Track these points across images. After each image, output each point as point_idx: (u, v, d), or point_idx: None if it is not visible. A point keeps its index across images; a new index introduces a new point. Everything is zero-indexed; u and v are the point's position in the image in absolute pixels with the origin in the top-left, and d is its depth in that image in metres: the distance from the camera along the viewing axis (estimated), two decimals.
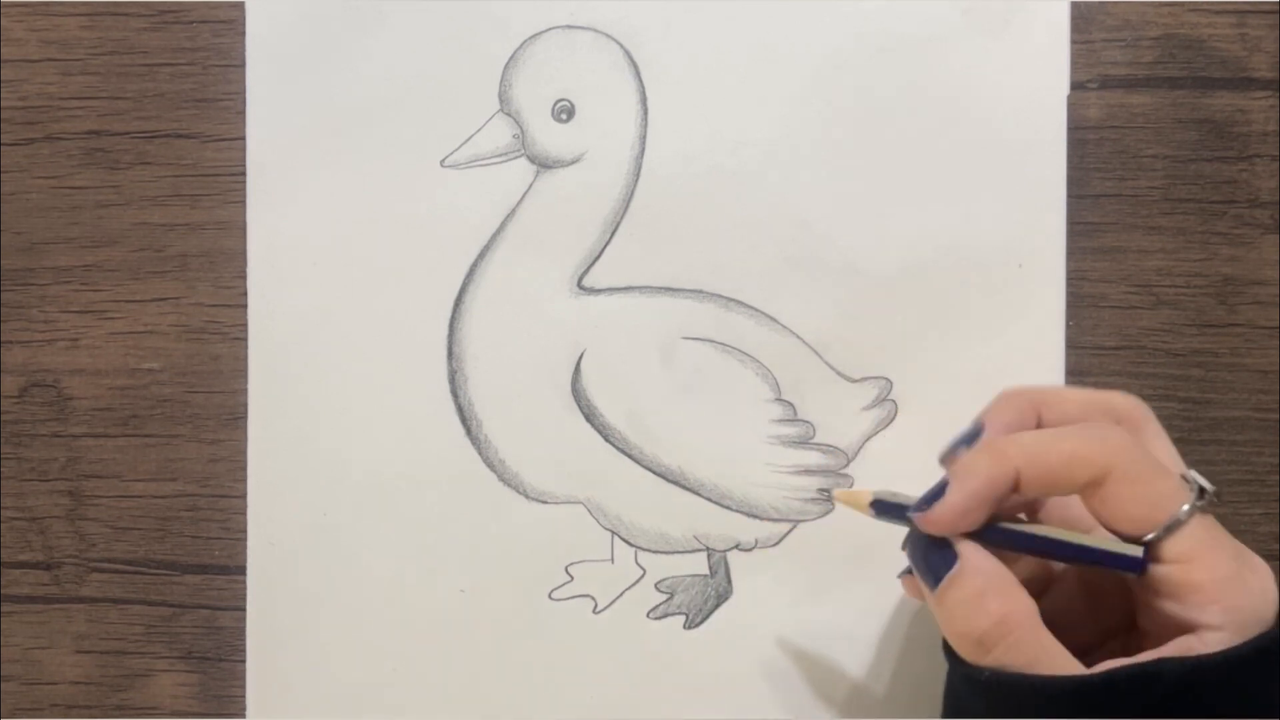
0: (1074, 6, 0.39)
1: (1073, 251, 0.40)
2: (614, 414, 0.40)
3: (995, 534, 0.32)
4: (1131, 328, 0.40)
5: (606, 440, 0.40)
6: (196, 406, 0.41)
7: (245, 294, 0.41)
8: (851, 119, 0.40)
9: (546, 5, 0.40)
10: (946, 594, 0.32)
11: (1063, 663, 0.31)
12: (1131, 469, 0.31)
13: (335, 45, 0.40)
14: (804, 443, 0.40)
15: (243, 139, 0.40)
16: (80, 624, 0.41)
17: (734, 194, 0.40)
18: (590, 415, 0.40)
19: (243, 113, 0.40)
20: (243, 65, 0.40)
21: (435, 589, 0.40)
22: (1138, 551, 0.31)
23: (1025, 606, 0.31)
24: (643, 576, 0.40)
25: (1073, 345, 0.40)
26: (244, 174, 0.40)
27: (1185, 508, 0.30)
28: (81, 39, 0.41)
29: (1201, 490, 0.31)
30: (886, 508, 0.34)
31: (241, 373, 0.41)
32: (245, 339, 0.41)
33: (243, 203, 0.41)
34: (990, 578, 0.32)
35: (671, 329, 0.40)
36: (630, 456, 0.40)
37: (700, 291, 0.40)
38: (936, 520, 0.32)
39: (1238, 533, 0.39)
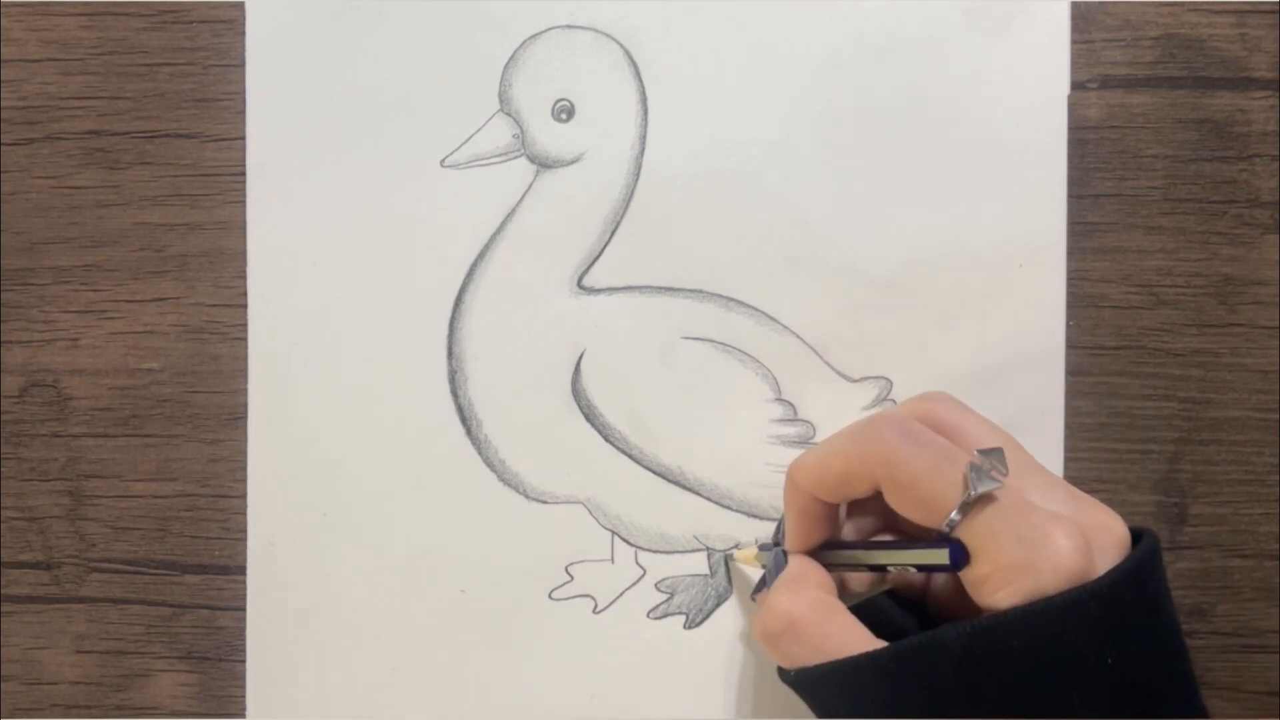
0: (1074, 6, 0.39)
1: (1073, 251, 0.40)
2: (614, 414, 0.40)
3: (826, 555, 0.36)
4: (1131, 328, 0.40)
5: (606, 440, 0.40)
6: (196, 406, 0.41)
7: (245, 294, 0.41)
8: (851, 119, 0.40)
9: (546, 5, 0.40)
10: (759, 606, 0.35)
11: (856, 644, 0.32)
12: (900, 476, 0.32)
13: (335, 45, 0.40)
14: (804, 443, 0.40)
15: (243, 139, 0.40)
16: (80, 624, 0.41)
17: (734, 194, 0.40)
18: (590, 415, 0.40)
19: (243, 113, 0.40)
20: (243, 65, 0.40)
21: (435, 589, 0.40)
22: (943, 558, 0.31)
23: (808, 600, 0.33)
24: (643, 576, 0.40)
25: (1073, 345, 0.40)
26: (244, 174, 0.40)
27: (954, 514, 0.31)
28: (81, 39, 0.41)
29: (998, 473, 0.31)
30: (767, 546, 0.38)
31: (241, 373, 0.41)
32: (245, 339, 0.41)
33: (243, 203, 0.41)
34: (783, 581, 0.35)
35: (671, 329, 0.40)
36: (630, 456, 0.40)
37: (700, 291, 0.40)
38: (788, 546, 0.36)
39: (1237, 533, 0.40)
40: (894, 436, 0.32)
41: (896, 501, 0.32)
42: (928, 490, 0.31)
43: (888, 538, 0.36)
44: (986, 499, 0.31)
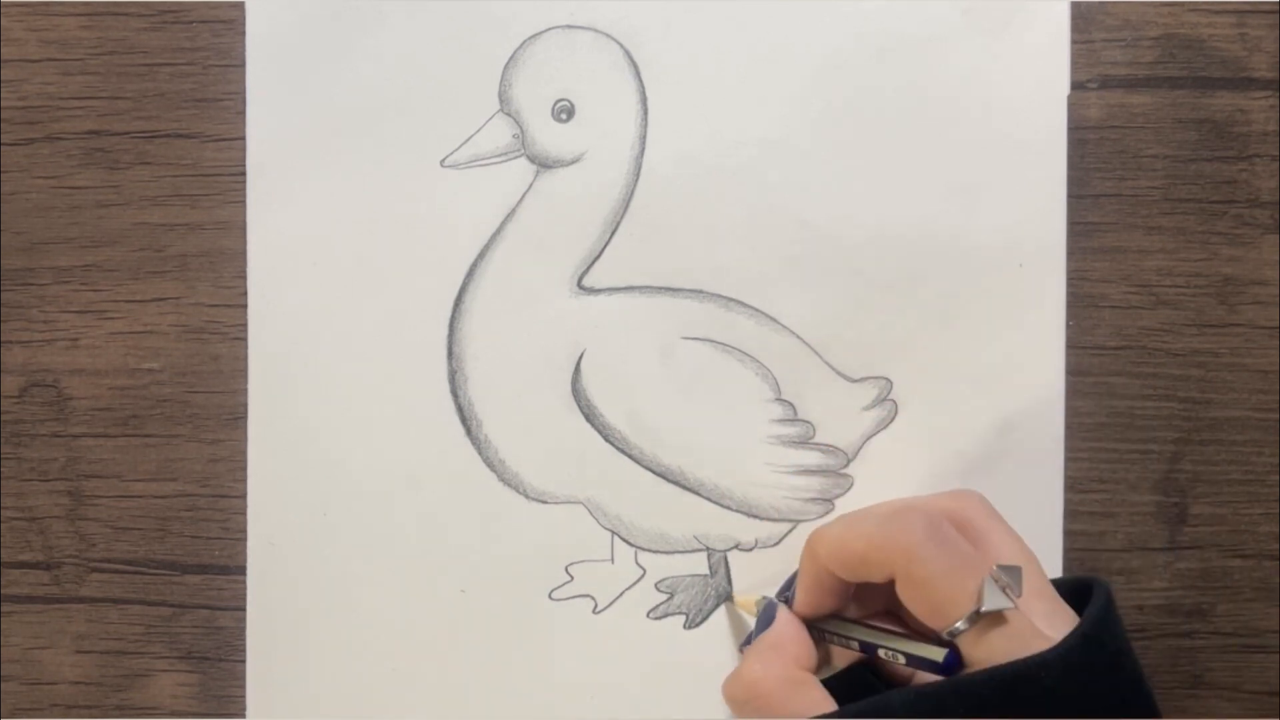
0: (1074, 6, 0.39)
1: (1073, 251, 0.40)
2: (614, 414, 0.40)
3: (828, 629, 0.35)
4: (1131, 328, 0.40)
5: (606, 440, 0.40)
6: (196, 406, 0.41)
7: (245, 294, 0.41)
8: (851, 119, 0.40)
9: (546, 5, 0.40)
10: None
11: (816, 712, 0.32)
12: (917, 573, 0.32)
13: (335, 45, 0.40)
14: (804, 443, 0.40)
15: (243, 139, 0.40)
16: (80, 624, 0.41)
17: (734, 194, 0.40)
18: (590, 415, 0.40)
19: (243, 113, 0.40)
20: (243, 65, 0.40)
21: (435, 589, 0.40)
22: (938, 656, 0.31)
23: (777, 672, 0.34)
24: (643, 576, 0.40)
25: (1073, 345, 0.40)
26: (244, 174, 0.40)
27: (960, 623, 0.31)
28: (81, 39, 0.41)
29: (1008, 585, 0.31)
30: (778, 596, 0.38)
31: (241, 373, 0.41)
32: (245, 339, 0.41)
33: (243, 203, 0.41)
34: (758, 647, 0.35)
35: (671, 329, 0.40)
36: (630, 456, 0.40)
37: (700, 291, 0.40)
38: (796, 609, 0.36)
39: (1237, 533, 0.40)
40: (919, 532, 0.32)
41: (907, 597, 0.32)
42: (941, 594, 0.31)
43: (882, 625, 0.36)
44: (995, 617, 0.31)
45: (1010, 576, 0.31)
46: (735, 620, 0.40)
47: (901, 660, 0.33)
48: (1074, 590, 0.33)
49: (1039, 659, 0.30)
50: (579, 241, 0.40)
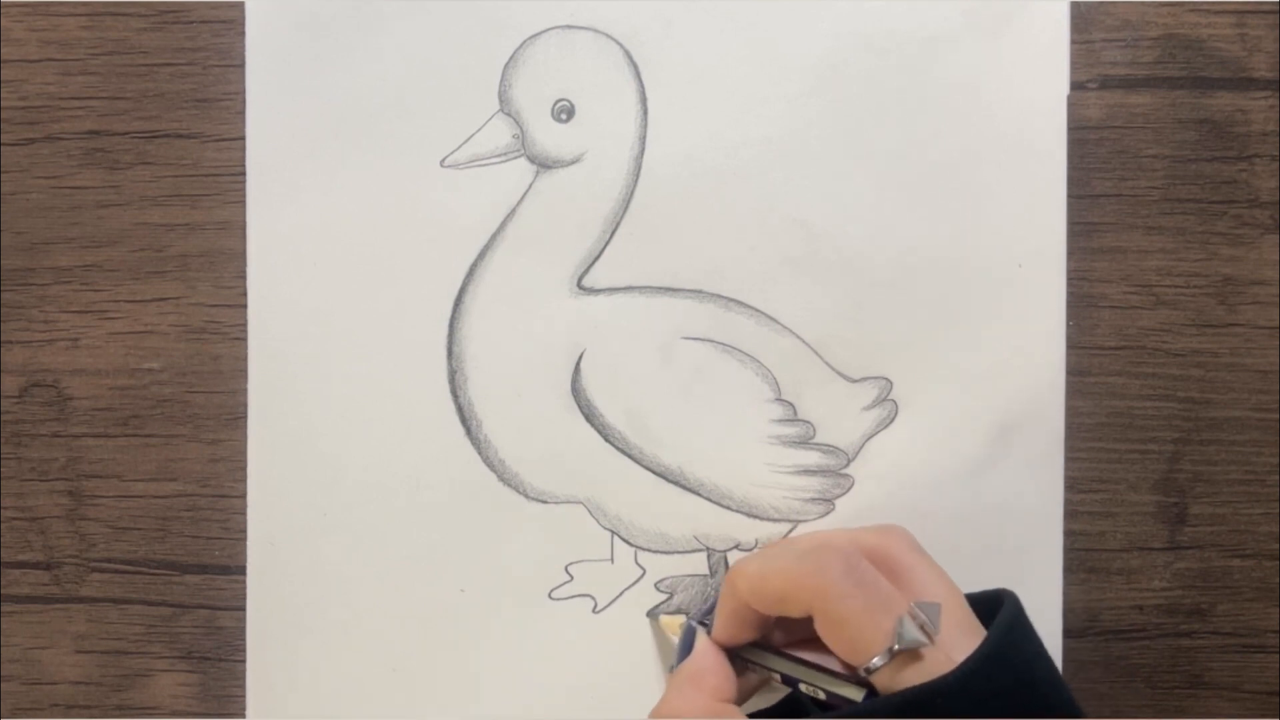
0: (1074, 6, 0.39)
1: (1073, 251, 0.40)
2: (614, 414, 0.40)
3: (749, 658, 0.35)
4: (1131, 328, 0.40)
5: (606, 440, 0.40)
6: (196, 406, 0.41)
7: (245, 294, 0.41)
8: (852, 119, 0.40)
9: (546, 5, 0.40)
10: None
11: None
12: (833, 612, 0.32)
13: (335, 45, 0.40)
14: (804, 443, 0.40)
15: (243, 139, 0.40)
16: (80, 624, 0.41)
17: (734, 194, 0.40)
18: (590, 415, 0.40)
19: (243, 113, 0.40)
20: (243, 65, 0.40)
21: (435, 589, 0.40)
22: (857, 697, 0.31)
23: (699, 705, 0.34)
24: (643, 576, 0.40)
25: (1073, 345, 0.40)
26: (244, 174, 0.40)
27: (876, 660, 0.31)
28: (81, 39, 0.41)
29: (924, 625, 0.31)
30: (702, 617, 0.37)
31: (241, 373, 0.41)
32: (245, 339, 0.41)
33: (243, 203, 0.41)
34: (678, 680, 0.35)
35: (671, 329, 0.40)
36: (630, 456, 0.40)
37: (700, 291, 0.40)
38: (716, 636, 0.35)
39: (1237, 533, 0.40)
40: (836, 571, 0.32)
41: (825, 634, 0.32)
42: (856, 632, 0.31)
43: (808, 656, 0.35)
44: (912, 654, 0.31)
45: (928, 613, 0.31)
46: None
47: (822, 696, 0.33)
48: (987, 604, 0.33)
49: (937, 684, 0.30)
50: (579, 241, 0.40)
